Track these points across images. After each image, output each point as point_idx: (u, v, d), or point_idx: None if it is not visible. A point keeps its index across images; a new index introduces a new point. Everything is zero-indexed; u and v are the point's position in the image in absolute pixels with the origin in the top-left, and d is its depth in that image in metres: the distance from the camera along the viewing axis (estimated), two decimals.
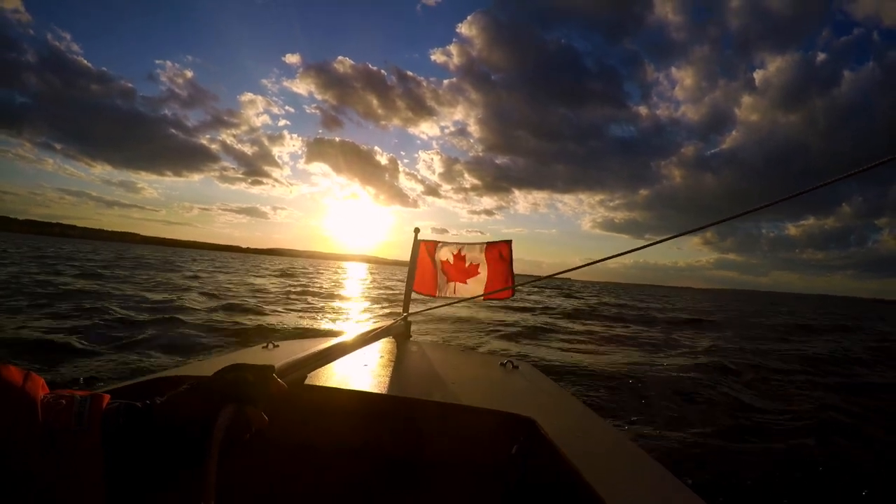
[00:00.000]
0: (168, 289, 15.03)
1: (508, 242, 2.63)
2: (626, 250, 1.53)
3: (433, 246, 2.79)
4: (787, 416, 5.01)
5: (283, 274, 34.29)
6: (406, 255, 2.76)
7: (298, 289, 20.20)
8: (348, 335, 1.09)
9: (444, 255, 2.76)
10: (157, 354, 6.12)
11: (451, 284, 2.73)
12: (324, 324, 10.40)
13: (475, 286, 2.65)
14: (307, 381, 0.83)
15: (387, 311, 14.14)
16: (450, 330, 9.52)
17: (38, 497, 0.50)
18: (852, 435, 4.53)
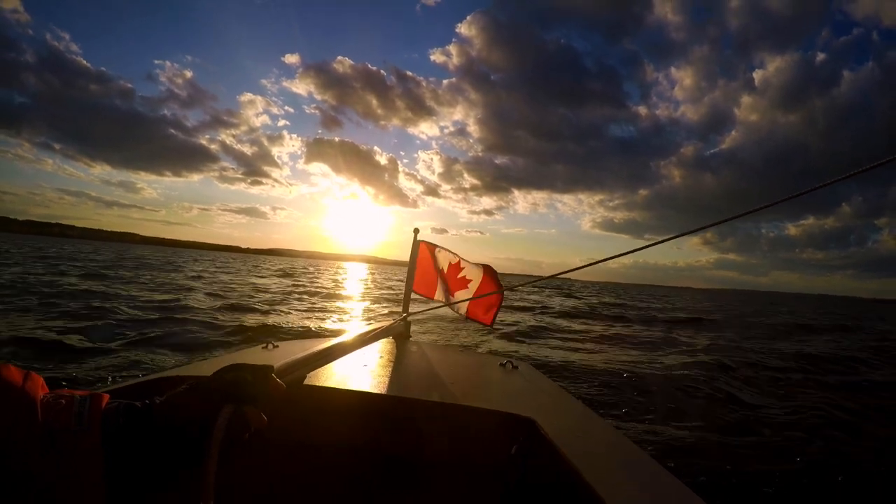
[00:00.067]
0: (172, 289, 15.10)
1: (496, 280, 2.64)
2: (626, 251, 1.53)
3: (433, 248, 2.78)
4: (785, 413, 5.03)
5: (284, 274, 34.45)
6: (405, 256, 2.75)
7: (301, 289, 20.27)
8: (348, 335, 1.09)
9: (442, 260, 2.75)
10: (169, 353, 6.23)
11: (446, 289, 2.73)
12: (329, 323, 10.47)
13: (461, 297, 2.67)
14: (306, 381, 0.83)
15: (389, 310, 14.18)
16: (449, 330, 9.54)
17: (38, 497, 0.50)
18: (851, 432, 4.56)
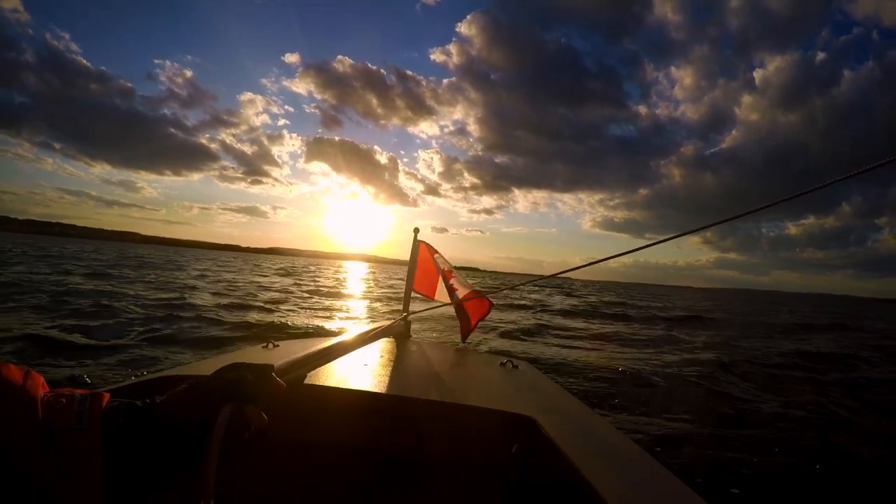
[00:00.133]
0: (177, 287, 15.18)
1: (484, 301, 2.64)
2: (627, 250, 1.53)
3: (432, 250, 2.79)
4: (781, 408, 5.06)
5: (287, 273, 34.72)
6: (406, 255, 2.76)
7: (304, 287, 20.39)
8: (348, 335, 1.09)
9: (440, 262, 2.76)
10: (180, 350, 6.35)
11: (447, 289, 2.74)
12: (333, 322, 10.57)
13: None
14: (307, 381, 0.83)
15: (391, 309, 14.21)
16: (450, 329, 9.54)
17: (38, 497, 0.50)
18: (847, 427, 4.60)
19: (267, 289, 18.02)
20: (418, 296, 2.77)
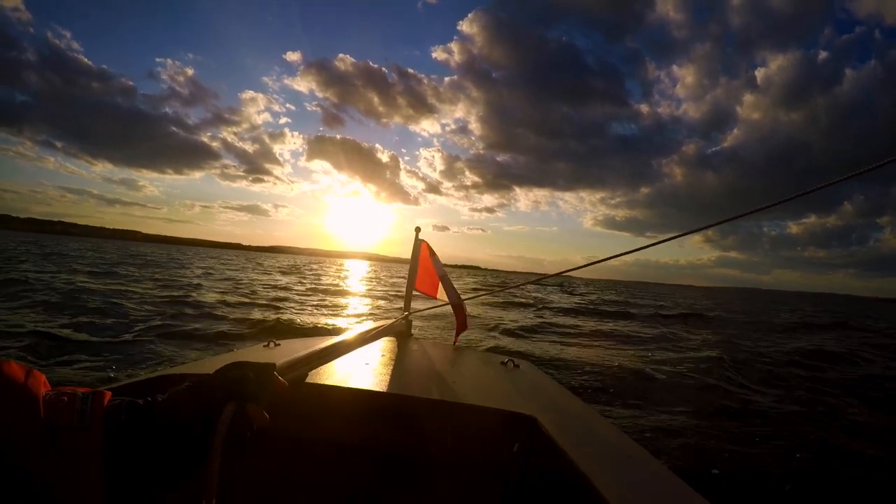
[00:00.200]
0: (184, 286, 15.34)
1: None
2: (629, 249, 1.53)
3: (432, 251, 2.79)
4: (783, 405, 5.07)
5: (290, 271, 35.09)
6: (407, 253, 2.76)
7: (308, 286, 20.56)
8: (349, 333, 1.09)
9: (438, 264, 2.77)
10: (192, 346, 6.47)
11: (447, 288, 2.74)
12: (339, 319, 10.70)
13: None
14: (308, 380, 0.83)
15: (396, 306, 14.25)
16: (451, 328, 9.55)
17: (38, 497, 0.49)
18: (847, 423, 4.64)
19: (272, 287, 18.19)
20: (419, 295, 2.77)
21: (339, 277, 32.31)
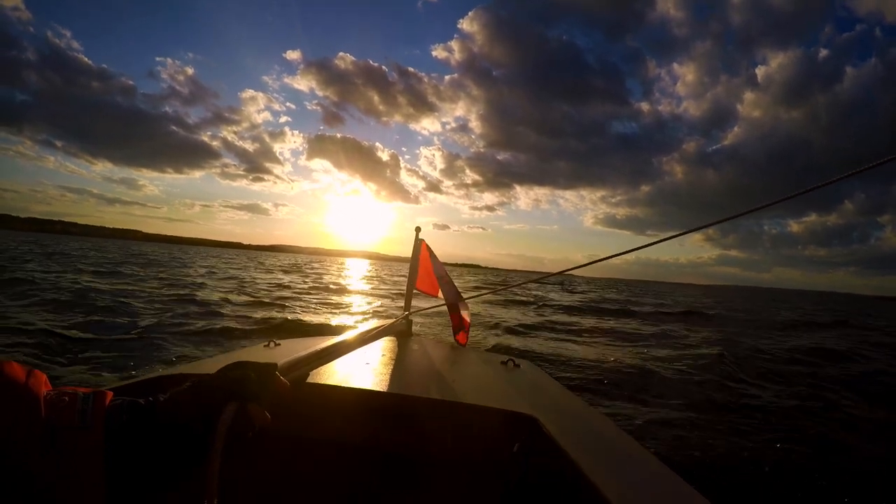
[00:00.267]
0: (188, 284, 15.44)
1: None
2: (631, 248, 1.53)
3: (431, 250, 2.78)
4: (780, 401, 5.10)
5: (291, 270, 35.25)
6: (407, 252, 2.75)
7: (311, 284, 20.71)
8: (350, 333, 1.09)
9: (438, 264, 2.75)
10: (204, 344, 6.55)
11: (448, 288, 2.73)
12: (344, 318, 10.78)
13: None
14: (309, 380, 0.83)
15: (400, 304, 14.29)
16: (451, 327, 9.53)
17: (38, 497, 0.49)
18: (844, 419, 4.68)
19: (276, 285, 18.29)
20: (420, 294, 2.77)
21: (341, 276, 32.48)
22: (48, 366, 4.83)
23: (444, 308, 2.60)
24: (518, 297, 19.99)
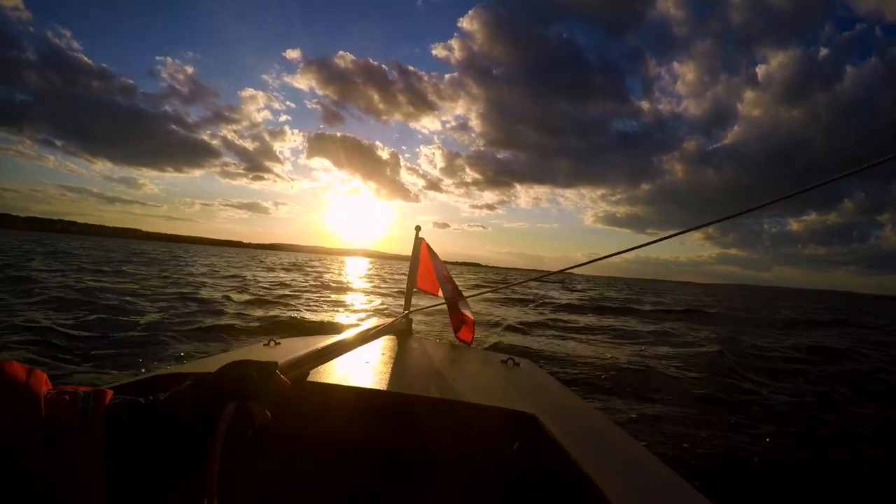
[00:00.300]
0: (191, 283, 15.54)
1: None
2: (630, 246, 1.53)
3: (431, 249, 2.78)
4: (781, 399, 5.11)
5: (292, 268, 35.42)
6: (407, 250, 2.75)
7: (313, 282, 20.81)
8: (350, 332, 1.09)
9: (439, 262, 2.74)
10: (206, 341, 6.62)
11: (448, 287, 2.72)
12: (347, 316, 10.84)
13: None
14: (309, 378, 0.83)
15: (401, 303, 14.31)
16: (451, 326, 9.54)
17: (38, 497, 0.49)
18: (841, 415, 4.72)
19: (278, 284, 18.38)
20: (420, 293, 2.76)
21: (341, 275, 32.61)
22: (55, 363, 4.88)
23: (445, 307, 2.60)
24: (518, 296, 20.00)
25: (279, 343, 1.97)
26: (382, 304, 14.34)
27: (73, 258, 25.28)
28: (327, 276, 28.67)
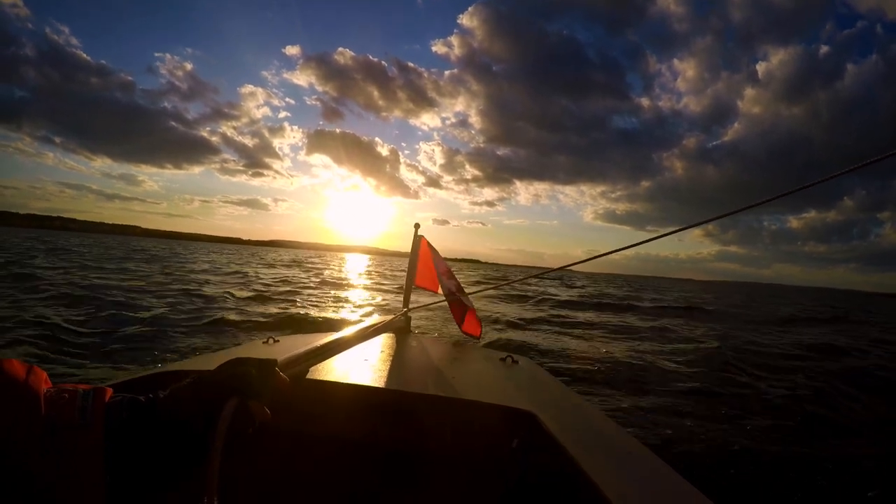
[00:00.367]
0: (194, 279, 15.64)
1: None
2: (631, 244, 1.53)
3: (431, 246, 2.77)
4: (779, 395, 5.14)
5: (293, 265, 35.59)
6: (407, 247, 2.75)
7: (314, 279, 20.94)
8: (348, 330, 1.08)
9: (439, 260, 2.74)
10: (213, 337, 6.71)
11: (449, 284, 2.71)
12: (349, 313, 10.93)
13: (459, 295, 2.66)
14: (308, 376, 0.83)
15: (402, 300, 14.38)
16: (450, 324, 9.59)
17: (38, 497, 0.49)
18: (842, 415, 4.72)
19: (280, 280, 18.46)
20: (419, 291, 2.76)
21: (342, 271, 32.76)
22: (66, 359, 4.95)
23: (443, 304, 2.59)
24: (517, 292, 20.03)
25: (278, 341, 1.97)
26: (384, 300, 14.37)
27: (74, 255, 25.38)
28: (328, 272, 28.82)
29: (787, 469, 3.33)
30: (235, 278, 17.94)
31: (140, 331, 6.55)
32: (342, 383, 1.42)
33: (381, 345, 2.01)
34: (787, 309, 23.28)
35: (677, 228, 1.56)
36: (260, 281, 17.34)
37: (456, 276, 2.70)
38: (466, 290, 2.66)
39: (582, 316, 13.23)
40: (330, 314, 10.14)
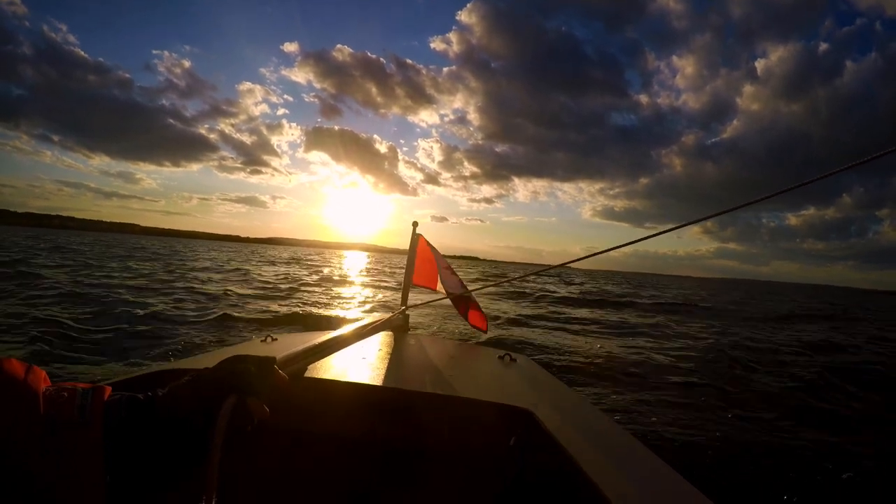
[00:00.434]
0: (196, 277, 15.73)
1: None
2: (630, 240, 1.53)
3: (430, 244, 2.77)
4: (774, 393, 5.16)
5: (292, 262, 35.78)
6: (405, 244, 2.75)
7: (315, 276, 21.02)
8: (347, 328, 1.09)
9: (439, 258, 2.74)
10: (217, 333, 6.81)
11: (448, 282, 2.72)
12: (351, 310, 10.99)
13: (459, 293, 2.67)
14: (307, 374, 0.83)
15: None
16: (448, 322, 9.60)
17: (38, 497, 0.49)
18: (840, 411, 4.75)
19: (280, 277, 18.59)
20: (417, 289, 2.76)
21: (341, 268, 32.89)
22: (75, 355, 4.99)
23: (442, 302, 2.60)
24: (516, 289, 20.07)
25: (276, 339, 1.97)
26: (385, 297, 14.40)
27: (76, 254, 25.44)
28: (328, 269, 28.97)
29: (786, 467, 3.34)
30: (237, 275, 18.08)
31: (146, 328, 6.63)
32: (341, 381, 1.42)
33: (380, 343, 2.02)
34: (786, 306, 23.37)
35: (676, 225, 1.56)
36: (261, 278, 17.45)
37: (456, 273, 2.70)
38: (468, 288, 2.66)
39: (580, 313, 13.25)
40: (332, 311, 10.20)
